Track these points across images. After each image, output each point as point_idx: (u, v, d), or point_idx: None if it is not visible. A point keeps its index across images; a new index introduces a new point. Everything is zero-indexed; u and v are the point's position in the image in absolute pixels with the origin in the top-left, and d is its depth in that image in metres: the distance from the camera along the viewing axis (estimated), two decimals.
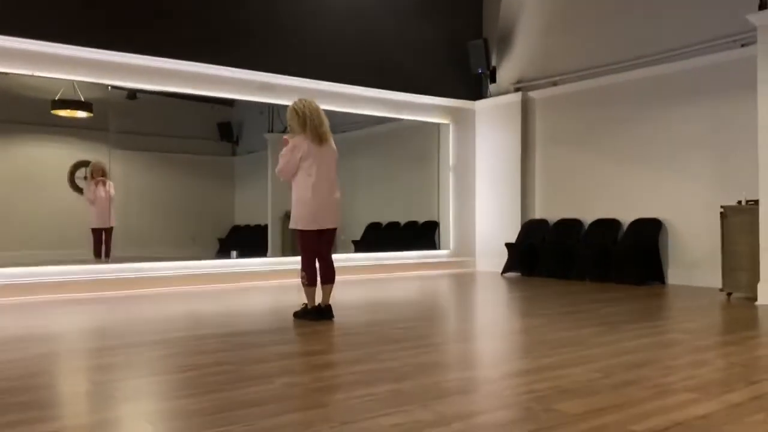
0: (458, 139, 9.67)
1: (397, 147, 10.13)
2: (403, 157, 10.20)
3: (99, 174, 7.67)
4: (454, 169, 9.67)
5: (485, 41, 9.35)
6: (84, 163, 7.94)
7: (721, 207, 6.17)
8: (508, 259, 8.74)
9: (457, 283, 7.94)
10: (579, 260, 7.91)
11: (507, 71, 9.42)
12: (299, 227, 4.74)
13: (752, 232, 5.74)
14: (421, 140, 9.84)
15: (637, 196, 7.79)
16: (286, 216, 5.82)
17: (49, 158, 8.09)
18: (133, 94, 7.72)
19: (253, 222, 9.70)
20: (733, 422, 2.32)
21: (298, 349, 3.90)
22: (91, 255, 7.62)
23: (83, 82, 6.91)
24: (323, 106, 4.88)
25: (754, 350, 3.69)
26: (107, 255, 7.64)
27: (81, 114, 7.73)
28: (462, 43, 9.41)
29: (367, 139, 9.75)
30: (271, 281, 7.62)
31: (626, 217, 7.87)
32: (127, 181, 8.35)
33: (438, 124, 9.60)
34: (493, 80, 9.50)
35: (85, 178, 7.87)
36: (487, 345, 4.19)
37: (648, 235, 7.50)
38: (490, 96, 9.55)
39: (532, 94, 9.08)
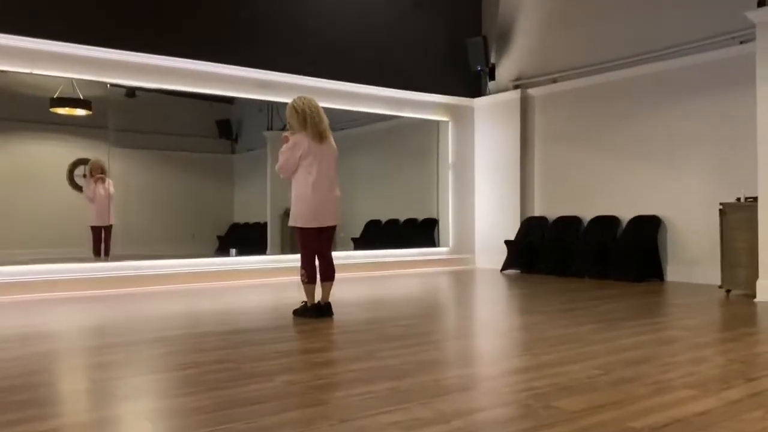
0: (457, 136, 9.67)
1: (397, 144, 10.13)
2: (402, 155, 10.20)
3: (98, 172, 7.67)
4: (454, 166, 9.67)
5: (484, 39, 9.35)
6: (83, 161, 7.94)
7: (720, 204, 6.18)
8: (507, 256, 8.74)
9: (456, 280, 7.94)
10: (578, 257, 7.92)
11: (506, 68, 9.41)
12: (299, 225, 4.74)
13: (751, 229, 5.75)
14: (421, 138, 9.83)
15: (637, 193, 7.79)
16: (286, 214, 5.82)
17: (48, 156, 8.08)
18: (132, 91, 7.71)
19: (252, 220, 9.70)
20: (732, 419, 2.33)
21: (298, 346, 3.90)
22: (90, 253, 7.62)
23: (82, 79, 6.90)
24: (322, 104, 4.89)
25: (753, 347, 3.69)
26: (107, 253, 7.63)
27: (80, 112, 7.71)
28: (461, 41, 9.40)
29: (366, 137, 9.75)
30: (271, 279, 7.62)
31: (625, 214, 7.88)
32: (126, 178, 8.34)
33: (437, 122, 9.59)
34: (492, 77, 9.49)
35: (85, 176, 7.86)
36: (487, 342, 4.19)
37: (647, 232, 7.51)
38: (489, 93, 9.55)
39: (531, 91, 9.08)
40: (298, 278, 4.92)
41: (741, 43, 6.71)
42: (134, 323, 4.80)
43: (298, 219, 4.74)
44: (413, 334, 4.13)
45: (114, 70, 6.80)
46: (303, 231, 4.76)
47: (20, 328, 4.53)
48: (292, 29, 7.94)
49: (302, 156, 4.68)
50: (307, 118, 4.67)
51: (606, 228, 7.95)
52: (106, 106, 7.71)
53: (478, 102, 9.68)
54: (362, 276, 8.11)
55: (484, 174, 9.63)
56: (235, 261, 7.85)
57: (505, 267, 8.74)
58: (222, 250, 9.06)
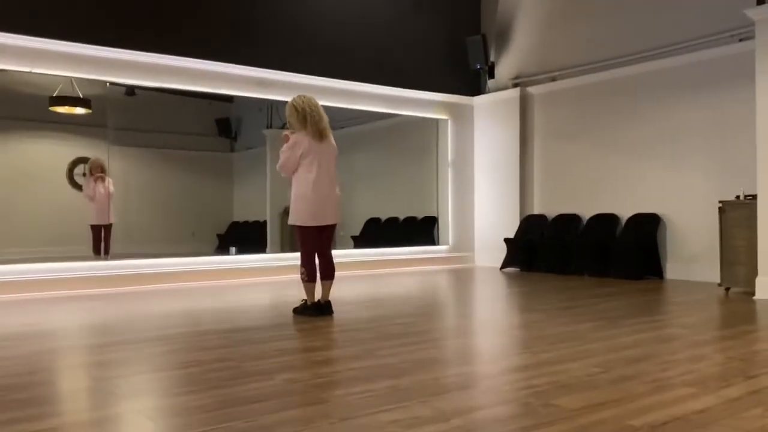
0: (457, 134, 9.67)
1: (397, 143, 10.13)
2: (402, 153, 10.20)
3: (98, 171, 7.67)
4: (453, 164, 9.67)
5: (483, 37, 9.35)
6: (83, 160, 7.94)
7: (720, 202, 6.18)
8: (506, 255, 8.75)
9: (456, 278, 7.95)
10: (577, 255, 7.93)
11: (505, 67, 9.41)
12: (299, 223, 4.75)
13: (750, 227, 5.76)
14: (420, 136, 9.84)
15: (636, 191, 7.80)
16: (285, 212, 5.82)
17: (48, 155, 8.08)
18: (131, 90, 7.71)
19: (251, 218, 9.70)
20: (732, 416, 2.33)
21: (298, 345, 3.91)
22: (90, 252, 7.62)
23: (81, 78, 6.90)
24: (322, 102, 4.88)
25: (752, 344, 3.70)
26: (106, 252, 7.64)
27: (79, 110, 7.71)
28: (460, 39, 9.40)
29: (366, 135, 9.75)
30: (271, 277, 7.62)
31: (625, 212, 7.88)
32: (125, 177, 8.34)
33: (437, 120, 9.60)
34: (492, 76, 9.49)
35: (84, 174, 7.87)
36: (486, 340, 4.20)
37: (646, 230, 7.51)
38: (489, 91, 9.55)
39: (530, 89, 9.08)
40: (297, 276, 4.92)
41: (740, 40, 6.71)
42: (134, 322, 4.81)
43: (298, 217, 4.74)
44: (413, 333, 4.14)
45: (113, 69, 6.80)
46: (303, 229, 4.76)
47: (20, 327, 4.53)
48: (292, 28, 7.94)
49: (303, 155, 4.68)
50: (307, 116, 4.67)
51: (605, 226, 7.96)
52: (106, 105, 7.71)
53: (478, 100, 9.68)
54: (362, 274, 8.11)
55: (484, 172, 9.63)
56: (234, 259, 7.85)
57: (504, 265, 8.75)
58: (222, 249, 9.07)
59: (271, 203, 9.19)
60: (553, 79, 8.78)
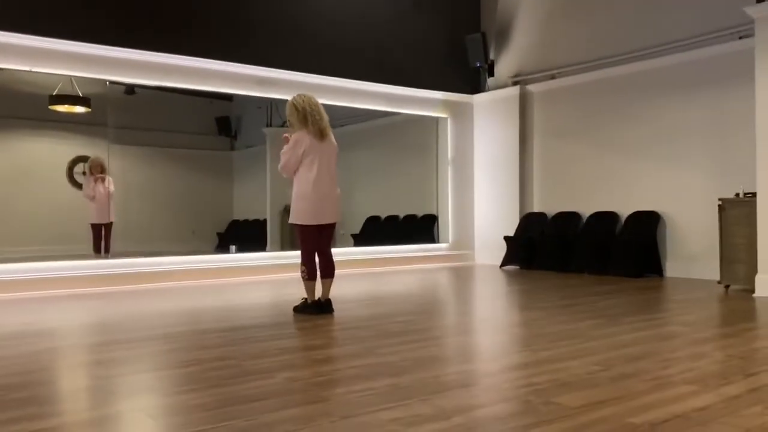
0: (457, 132, 9.67)
1: (396, 141, 10.13)
2: (402, 151, 10.20)
3: (98, 170, 7.67)
4: (453, 162, 9.67)
5: (483, 35, 9.34)
6: (83, 159, 7.94)
7: (719, 199, 6.19)
8: (506, 252, 8.76)
9: (456, 276, 7.95)
10: (577, 253, 7.93)
11: (505, 65, 9.41)
12: (299, 222, 4.75)
13: (750, 225, 5.76)
14: (420, 134, 9.84)
15: (636, 188, 7.80)
16: (285, 210, 5.83)
17: (48, 154, 8.08)
18: (131, 89, 7.70)
19: (251, 216, 9.71)
20: (731, 414, 2.34)
21: (299, 343, 3.91)
22: (90, 250, 7.62)
23: (81, 77, 6.90)
24: (322, 101, 4.88)
25: (752, 342, 3.70)
26: (107, 250, 7.64)
27: (79, 109, 7.71)
28: (460, 37, 9.40)
29: (365, 133, 9.74)
30: (271, 276, 7.63)
31: (624, 210, 7.88)
32: (125, 176, 8.34)
33: (437, 118, 9.60)
34: (491, 74, 9.49)
35: (84, 173, 7.87)
36: (486, 338, 4.20)
37: (646, 228, 7.52)
38: (489, 90, 9.54)
39: (530, 87, 9.07)
40: (298, 275, 4.93)
41: (740, 38, 6.71)
42: (134, 320, 4.81)
43: (298, 216, 4.74)
44: (413, 331, 4.14)
45: (113, 68, 6.80)
46: (303, 228, 4.76)
47: (20, 326, 4.53)
48: (292, 27, 7.93)
49: (304, 153, 4.68)
50: (307, 115, 4.67)
51: (605, 224, 7.96)
52: (106, 104, 7.71)
53: (478, 98, 9.67)
54: (362, 272, 8.12)
55: (484, 170, 9.63)
56: (234, 258, 7.85)
57: (504, 263, 8.75)
58: (222, 247, 9.07)
59: (271, 201, 9.19)
60: (553, 77, 8.77)
